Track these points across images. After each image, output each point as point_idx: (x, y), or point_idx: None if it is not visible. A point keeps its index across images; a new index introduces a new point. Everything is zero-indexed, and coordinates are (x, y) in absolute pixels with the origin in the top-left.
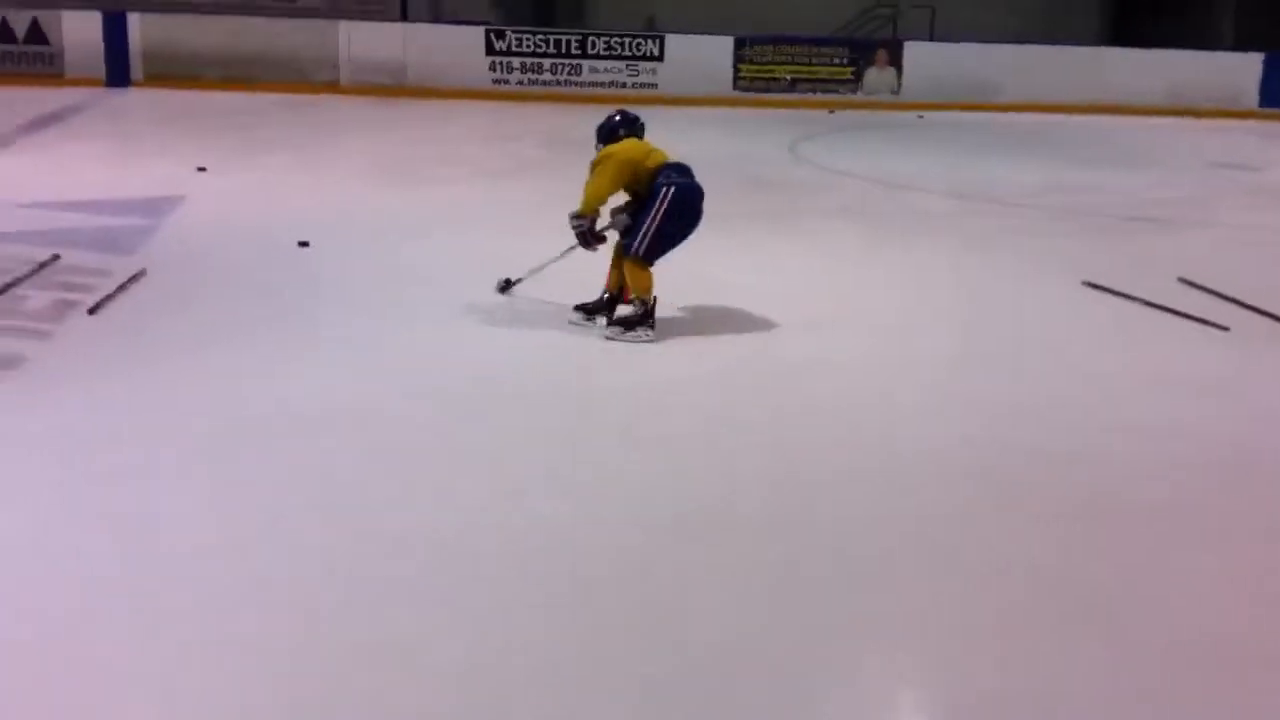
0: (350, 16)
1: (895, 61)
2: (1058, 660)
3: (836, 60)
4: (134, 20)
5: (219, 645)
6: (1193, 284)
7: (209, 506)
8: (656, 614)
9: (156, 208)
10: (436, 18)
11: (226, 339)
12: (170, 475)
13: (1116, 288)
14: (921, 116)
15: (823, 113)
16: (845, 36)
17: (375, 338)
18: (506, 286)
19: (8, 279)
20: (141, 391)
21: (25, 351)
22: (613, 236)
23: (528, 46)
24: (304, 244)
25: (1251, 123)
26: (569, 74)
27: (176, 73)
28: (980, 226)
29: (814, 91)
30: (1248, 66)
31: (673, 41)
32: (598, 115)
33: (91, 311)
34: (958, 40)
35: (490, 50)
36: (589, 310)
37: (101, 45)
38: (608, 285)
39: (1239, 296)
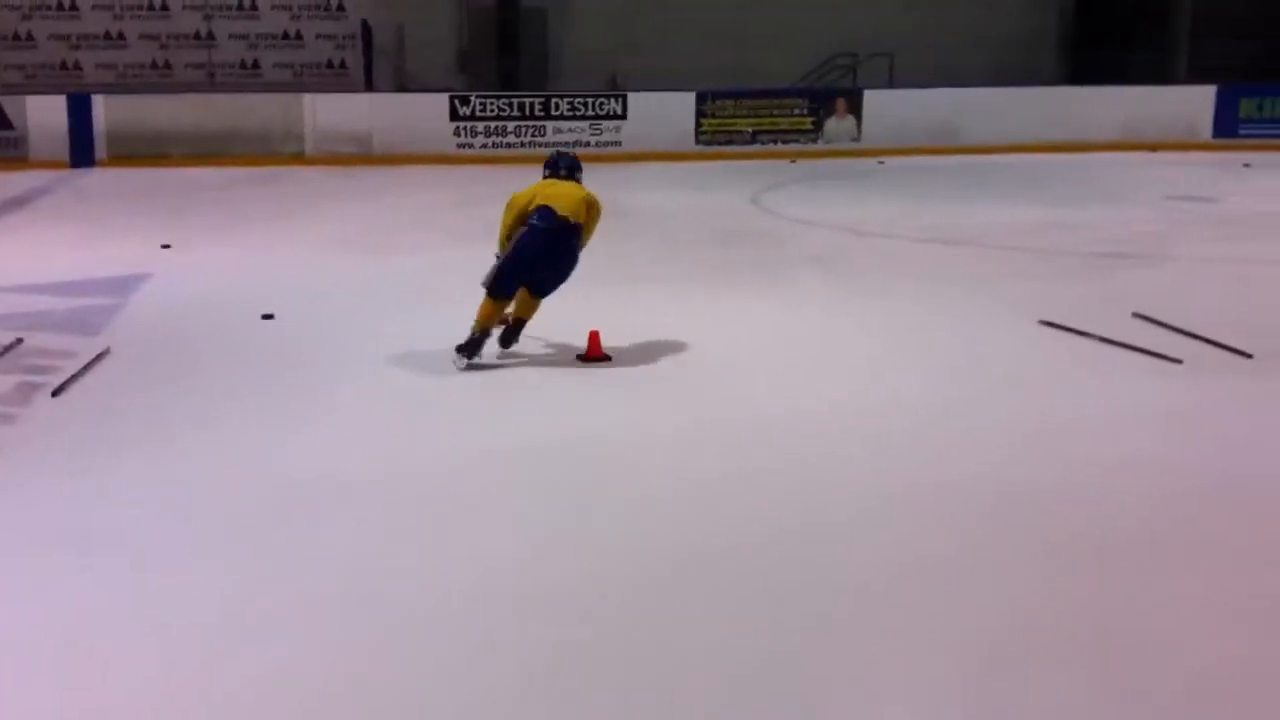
0: (315, 90)
1: (855, 110)
2: (1048, 697)
3: (797, 111)
4: (98, 101)
5: None
6: (1147, 318)
7: (216, 592)
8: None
9: (123, 286)
10: (401, 86)
11: (192, 418)
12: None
13: (1077, 325)
14: (882, 162)
15: (785, 163)
16: (805, 87)
17: (347, 409)
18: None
19: None
20: (111, 480)
21: None
22: None
23: (491, 110)
24: (268, 316)
25: (1206, 154)
26: (533, 135)
27: (141, 151)
28: (943, 270)
29: (776, 143)
30: (1201, 99)
31: (635, 99)
32: None
33: (55, 394)
34: (916, 86)
35: (455, 116)
36: (502, 341)
37: (66, 127)
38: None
39: (1197, 330)
